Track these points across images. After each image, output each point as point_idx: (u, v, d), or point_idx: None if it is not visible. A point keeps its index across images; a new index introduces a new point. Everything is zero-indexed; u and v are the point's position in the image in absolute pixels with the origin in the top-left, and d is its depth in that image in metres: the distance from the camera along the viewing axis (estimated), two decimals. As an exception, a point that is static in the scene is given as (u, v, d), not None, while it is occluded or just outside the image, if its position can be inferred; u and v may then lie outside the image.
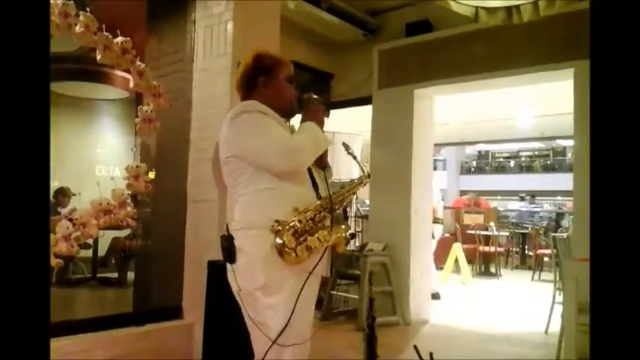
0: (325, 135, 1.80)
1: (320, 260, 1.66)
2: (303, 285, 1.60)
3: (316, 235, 1.61)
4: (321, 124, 1.80)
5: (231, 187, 1.78)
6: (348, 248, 4.28)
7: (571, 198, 3.96)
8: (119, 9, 3.50)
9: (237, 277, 1.65)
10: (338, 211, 1.73)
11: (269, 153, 1.65)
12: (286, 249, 1.55)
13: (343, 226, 1.68)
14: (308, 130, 1.76)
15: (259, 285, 1.60)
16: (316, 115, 1.81)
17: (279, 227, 1.56)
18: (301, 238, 1.58)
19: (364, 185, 1.90)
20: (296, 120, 1.90)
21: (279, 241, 1.55)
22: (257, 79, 1.84)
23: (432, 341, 4.09)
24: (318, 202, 1.69)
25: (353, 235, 1.71)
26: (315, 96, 1.85)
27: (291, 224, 1.58)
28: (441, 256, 7.30)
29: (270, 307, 1.61)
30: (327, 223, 1.67)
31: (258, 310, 1.63)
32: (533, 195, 13.42)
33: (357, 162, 1.95)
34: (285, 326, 1.57)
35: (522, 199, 12.07)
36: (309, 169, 1.79)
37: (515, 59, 4.17)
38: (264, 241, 1.57)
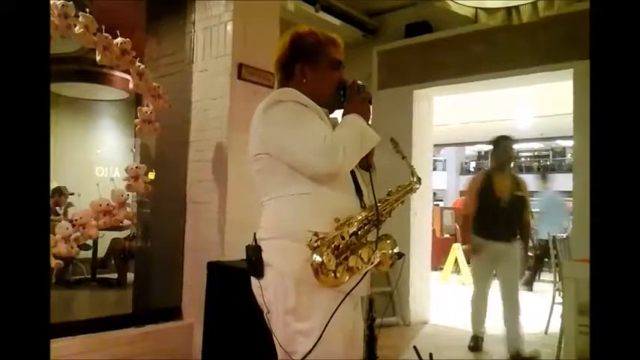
0: (372, 130, 1.49)
1: (360, 281, 1.39)
2: (337, 308, 1.35)
3: (359, 252, 1.37)
4: (366, 116, 1.51)
5: (259, 189, 1.52)
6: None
7: (571, 198, 3.95)
8: (119, 10, 3.50)
9: (266, 296, 1.43)
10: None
11: (306, 152, 1.38)
12: (325, 269, 1.30)
13: (389, 241, 1.45)
14: (352, 125, 1.47)
15: (290, 307, 1.38)
16: (361, 105, 1.52)
17: (318, 242, 1.31)
18: (342, 257, 1.33)
19: (414, 192, 1.65)
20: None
21: (317, 258, 1.30)
22: (294, 66, 1.55)
23: (432, 342, 4.09)
24: (363, 212, 1.43)
25: (401, 255, 1.49)
26: (360, 82, 1.57)
27: (333, 240, 1.33)
28: (440, 257, 7.31)
29: (301, 333, 1.38)
30: (371, 237, 1.42)
31: (289, 337, 1.41)
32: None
33: (408, 163, 1.66)
34: (311, 351, 1.36)
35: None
36: (352, 171, 1.52)
37: (515, 59, 4.17)
38: (297, 256, 1.33)
